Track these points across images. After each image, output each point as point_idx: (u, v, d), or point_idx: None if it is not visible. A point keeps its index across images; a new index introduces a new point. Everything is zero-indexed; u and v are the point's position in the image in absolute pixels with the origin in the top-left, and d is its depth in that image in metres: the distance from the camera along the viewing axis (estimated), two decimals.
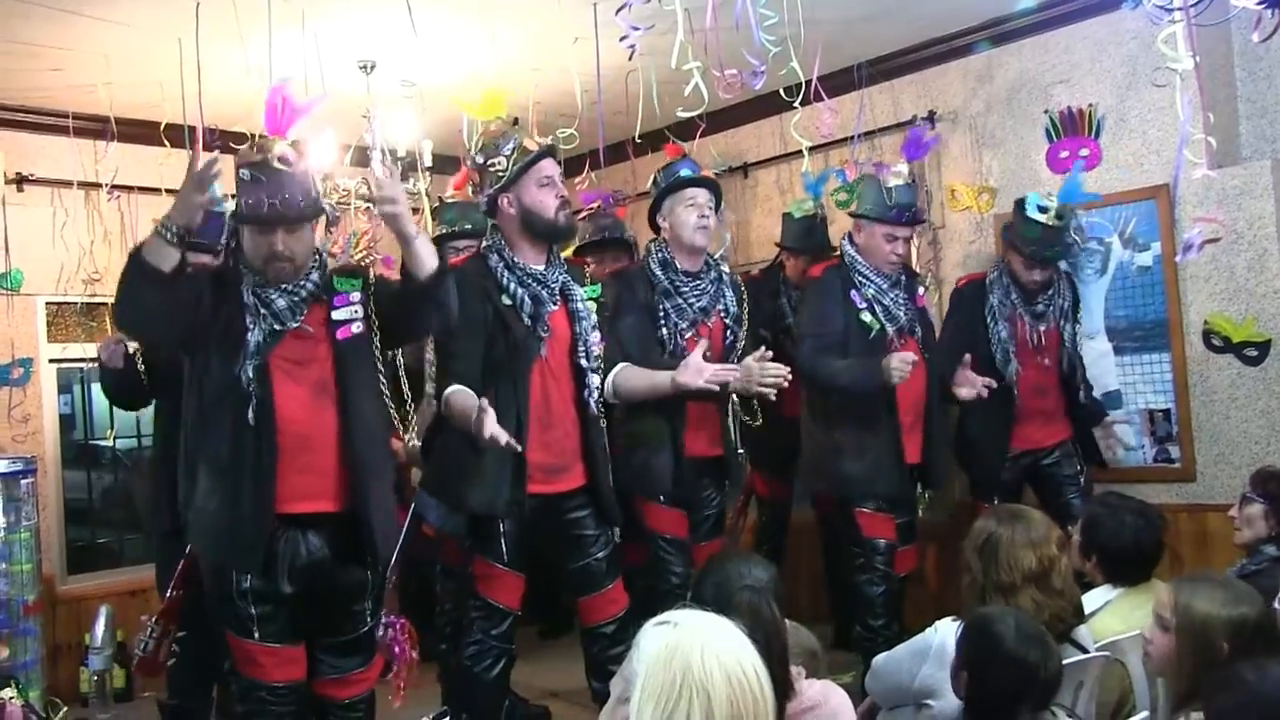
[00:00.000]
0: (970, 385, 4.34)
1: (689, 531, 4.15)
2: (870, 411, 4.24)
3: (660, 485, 4.04)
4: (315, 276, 3.16)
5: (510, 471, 3.44)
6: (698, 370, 3.71)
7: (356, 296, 3.20)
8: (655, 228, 4.26)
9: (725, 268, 4.31)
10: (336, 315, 3.16)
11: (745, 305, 4.28)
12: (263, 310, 3.06)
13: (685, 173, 4.22)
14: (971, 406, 4.44)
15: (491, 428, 3.15)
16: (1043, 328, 4.51)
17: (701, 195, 4.16)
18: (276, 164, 3.05)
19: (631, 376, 3.86)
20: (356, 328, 3.17)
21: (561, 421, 3.59)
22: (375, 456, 3.22)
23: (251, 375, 3.01)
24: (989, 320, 4.50)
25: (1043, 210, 4.40)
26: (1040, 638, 2.30)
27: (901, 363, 4.06)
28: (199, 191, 2.87)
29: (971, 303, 4.58)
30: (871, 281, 4.32)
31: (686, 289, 4.11)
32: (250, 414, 3.00)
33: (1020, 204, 4.51)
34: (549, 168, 3.59)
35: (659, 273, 4.11)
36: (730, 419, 4.15)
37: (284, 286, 3.09)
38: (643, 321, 4.05)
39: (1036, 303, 4.50)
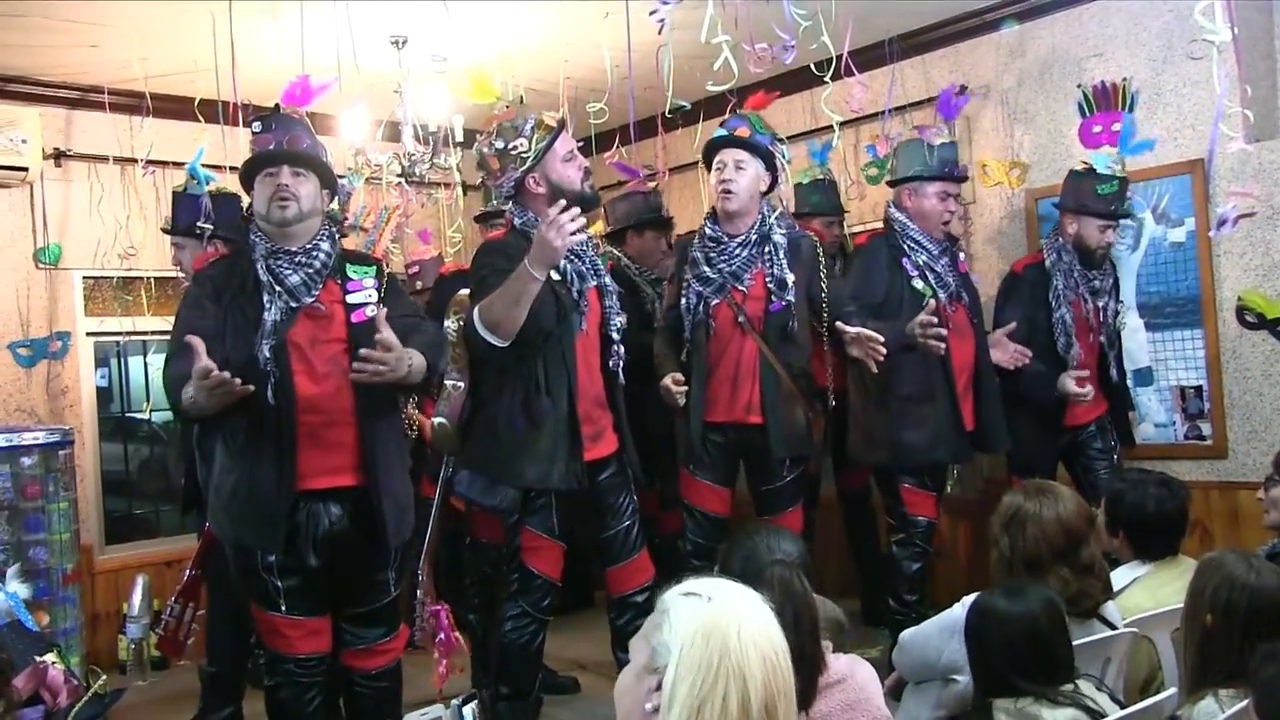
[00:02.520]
0: (1004, 349, 4.36)
1: (728, 504, 4.17)
2: (927, 380, 4.20)
3: (684, 453, 4.11)
4: (326, 246, 3.20)
5: (566, 443, 3.50)
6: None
7: (370, 282, 3.26)
8: None
9: (779, 228, 4.09)
10: (352, 299, 3.21)
11: (807, 267, 4.05)
12: (278, 287, 3.09)
13: (718, 132, 4.10)
14: (1023, 390, 4.43)
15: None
16: (1100, 303, 4.48)
17: (730, 155, 4.02)
18: (284, 111, 3.23)
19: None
20: (370, 311, 3.19)
21: (596, 390, 3.66)
22: (388, 433, 3.26)
23: (269, 355, 3.04)
24: (1053, 304, 4.44)
25: (1111, 165, 4.39)
26: (1036, 608, 2.32)
27: (923, 327, 3.90)
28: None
29: (1034, 287, 4.50)
30: (923, 248, 4.30)
31: (715, 254, 4.05)
32: (269, 392, 3.02)
33: (1086, 169, 4.44)
34: (570, 141, 3.62)
35: (696, 242, 4.13)
36: (772, 384, 4.02)
37: (295, 258, 3.13)
38: (675, 295, 4.11)
39: (1093, 279, 4.46)
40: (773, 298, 4.01)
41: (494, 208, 4.84)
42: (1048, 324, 4.45)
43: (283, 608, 3.14)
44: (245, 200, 4.22)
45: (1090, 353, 4.52)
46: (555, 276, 3.50)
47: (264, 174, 3.16)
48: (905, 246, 4.31)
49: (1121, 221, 4.51)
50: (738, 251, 4.03)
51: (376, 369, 2.96)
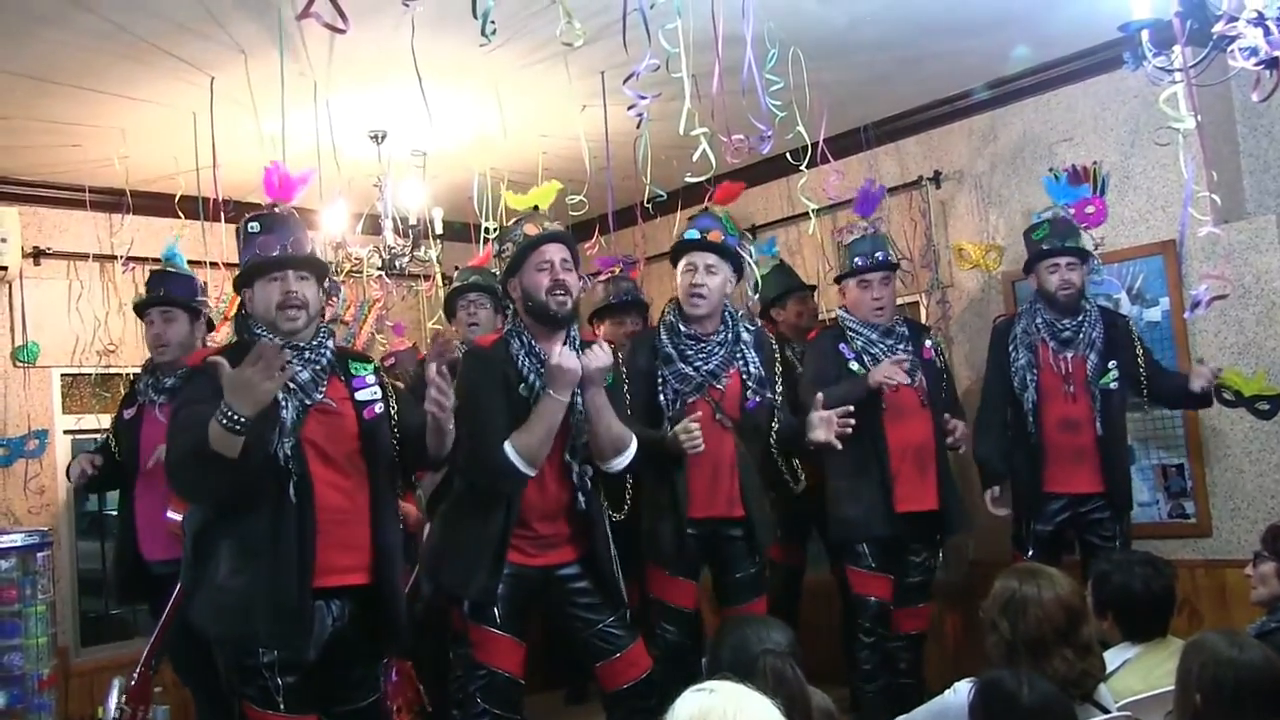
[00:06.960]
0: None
1: (697, 599, 4.11)
2: (859, 460, 4.29)
3: (663, 553, 3.99)
4: (330, 343, 3.22)
5: (489, 559, 3.42)
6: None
7: (372, 379, 3.28)
8: None
9: (746, 326, 4.16)
10: (361, 396, 3.22)
11: (769, 364, 4.15)
12: (292, 385, 3.06)
13: (690, 234, 4.09)
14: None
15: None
16: (1069, 354, 4.39)
17: (701, 259, 4.02)
18: (282, 212, 3.22)
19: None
20: (379, 408, 3.23)
21: (548, 505, 3.54)
22: (396, 529, 3.27)
23: (289, 453, 3.02)
24: (1010, 349, 4.49)
25: (1042, 214, 4.56)
26: (1051, 696, 2.30)
27: (890, 368, 4.23)
28: (266, 379, 2.72)
29: (1002, 335, 4.59)
30: (860, 334, 4.52)
31: (692, 353, 4.03)
32: (291, 491, 3.00)
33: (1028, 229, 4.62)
34: (550, 252, 3.51)
35: (664, 337, 4.06)
36: (750, 477, 4.05)
37: (305, 354, 3.12)
38: (637, 389, 3.97)
39: (1064, 329, 4.41)
40: (749, 395, 4.05)
41: (457, 285, 4.87)
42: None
43: (281, 707, 3.05)
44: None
45: (1069, 406, 4.40)
46: (523, 393, 3.44)
47: (269, 278, 3.14)
48: (846, 335, 4.53)
49: (1088, 261, 4.49)
50: (716, 350, 4.05)
51: (443, 402, 3.05)
